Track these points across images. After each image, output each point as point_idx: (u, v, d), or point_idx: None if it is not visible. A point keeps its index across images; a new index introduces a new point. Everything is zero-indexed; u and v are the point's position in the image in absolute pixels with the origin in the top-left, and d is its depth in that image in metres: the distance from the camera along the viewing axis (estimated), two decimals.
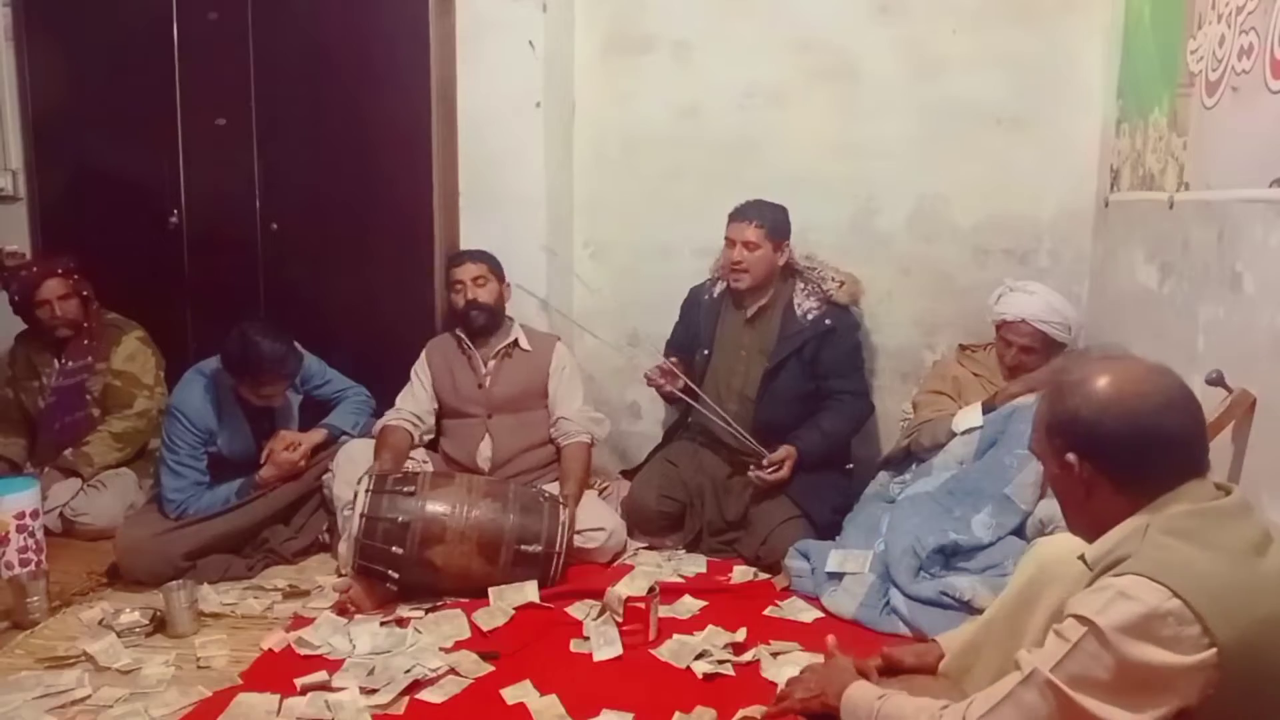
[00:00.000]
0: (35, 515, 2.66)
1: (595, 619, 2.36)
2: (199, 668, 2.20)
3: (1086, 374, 1.36)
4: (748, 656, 2.22)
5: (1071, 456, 1.34)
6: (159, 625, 2.38)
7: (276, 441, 2.86)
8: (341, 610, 2.45)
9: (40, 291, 3.14)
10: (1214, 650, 1.17)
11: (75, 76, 3.54)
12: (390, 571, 2.47)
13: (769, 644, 2.27)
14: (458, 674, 2.14)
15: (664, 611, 2.38)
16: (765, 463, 2.83)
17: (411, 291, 3.38)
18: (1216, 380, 1.86)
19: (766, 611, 2.50)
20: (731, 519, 2.93)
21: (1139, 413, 1.30)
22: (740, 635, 2.29)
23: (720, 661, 2.19)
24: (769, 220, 2.94)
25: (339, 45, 3.35)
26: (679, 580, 2.69)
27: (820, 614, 2.48)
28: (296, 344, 2.85)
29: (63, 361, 3.23)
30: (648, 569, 2.72)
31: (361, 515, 2.48)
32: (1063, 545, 1.62)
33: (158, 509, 2.79)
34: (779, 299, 3.02)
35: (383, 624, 2.37)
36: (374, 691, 2.05)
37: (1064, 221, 3.23)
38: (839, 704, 1.64)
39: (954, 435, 2.73)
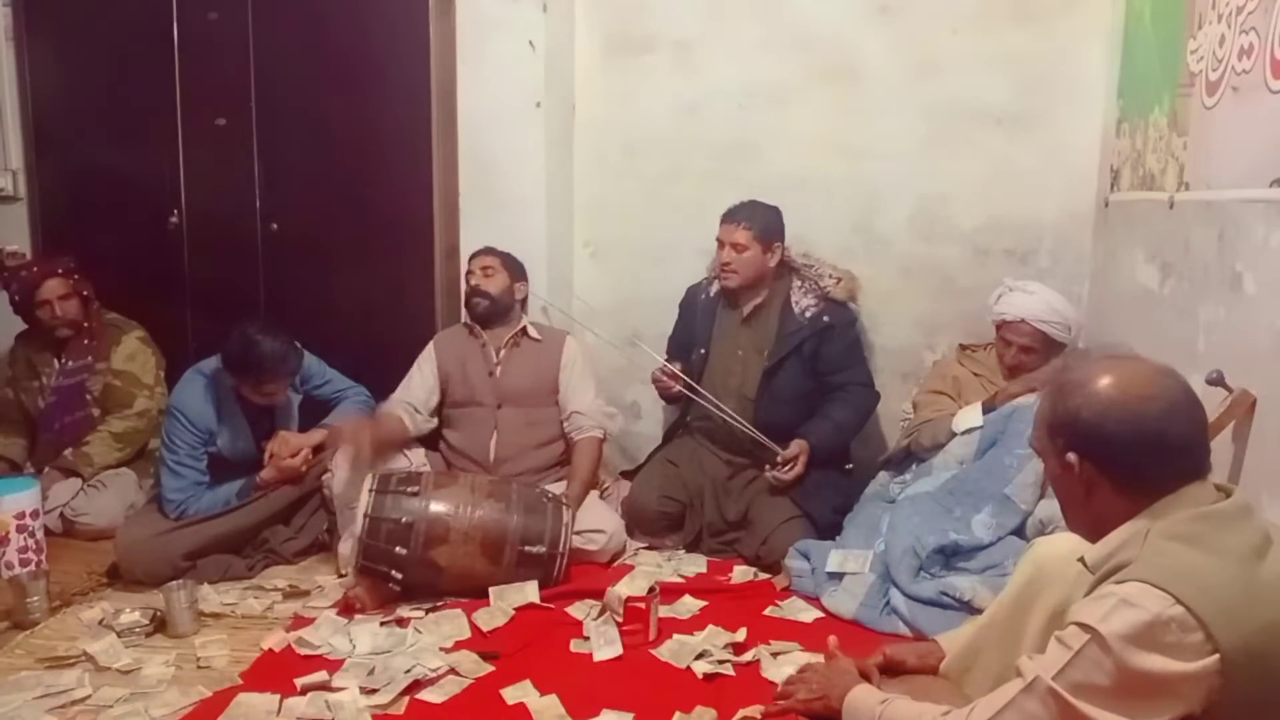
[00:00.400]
0: (35, 515, 2.67)
1: (595, 619, 2.36)
2: (199, 668, 2.20)
3: (1090, 373, 1.35)
4: (748, 656, 2.21)
5: (1072, 456, 1.34)
6: (159, 625, 2.38)
7: (279, 445, 2.85)
8: (347, 607, 2.45)
9: (40, 291, 3.14)
10: (1217, 657, 1.16)
11: (75, 76, 3.54)
12: (394, 572, 2.47)
13: (769, 644, 2.27)
14: (458, 674, 2.14)
15: (664, 611, 2.38)
16: (780, 460, 2.82)
17: (412, 291, 3.39)
18: (1216, 380, 1.85)
19: (766, 611, 2.50)
20: (732, 519, 2.92)
21: (1142, 415, 1.29)
22: (740, 635, 2.29)
23: (720, 661, 2.18)
24: (759, 222, 2.95)
25: (339, 45, 3.36)
26: (679, 580, 2.69)
27: (820, 614, 2.48)
28: (296, 343, 2.85)
29: (63, 361, 3.23)
30: (648, 569, 2.72)
31: (365, 515, 2.48)
32: (1060, 546, 1.62)
33: (158, 509, 2.79)
34: (775, 297, 3.02)
35: (383, 624, 2.37)
36: (374, 691, 2.04)
37: (1064, 222, 3.22)
38: (841, 707, 1.64)
39: (954, 435, 2.73)
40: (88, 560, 2.83)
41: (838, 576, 2.52)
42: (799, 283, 3.03)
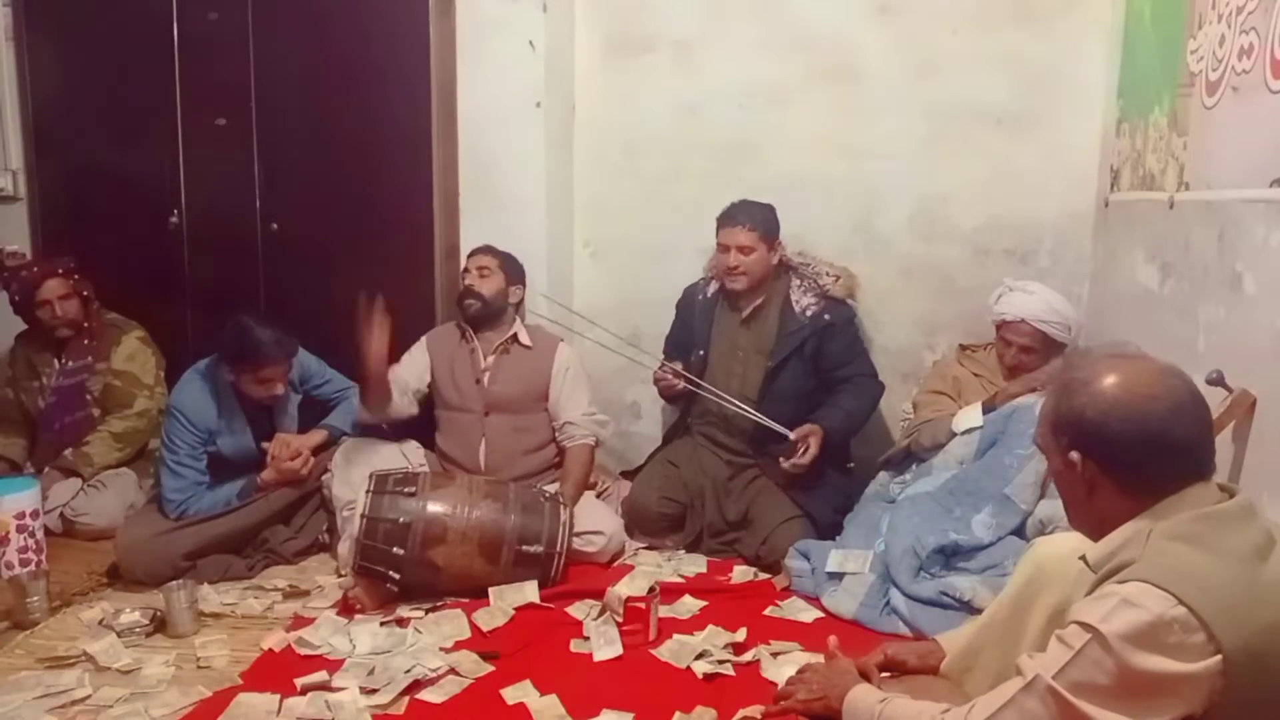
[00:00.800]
0: (35, 515, 2.67)
1: (595, 619, 2.36)
2: (199, 668, 2.20)
3: (1095, 372, 1.34)
4: (748, 656, 2.22)
5: (1075, 455, 1.33)
6: (159, 625, 2.38)
7: (279, 447, 2.85)
8: (347, 608, 2.45)
9: (40, 291, 3.14)
10: (1219, 657, 1.16)
11: (75, 76, 3.54)
12: (391, 572, 2.47)
13: (769, 644, 2.27)
14: (458, 674, 2.14)
15: (664, 611, 2.38)
16: (793, 439, 2.78)
17: (411, 292, 3.38)
18: (1217, 380, 1.86)
19: (766, 611, 2.50)
20: (732, 520, 2.92)
21: (1146, 415, 1.28)
22: (740, 635, 2.29)
23: (720, 661, 2.18)
24: (760, 221, 2.93)
25: (339, 45, 3.36)
26: (679, 580, 2.69)
27: (820, 614, 2.48)
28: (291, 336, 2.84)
29: (63, 361, 3.23)
30: (648, 569, 2.72)
31: (362, 516, 2.48)
32: (1060, 545, 1.62)
33: (158, 509, 2.79)
34: (774, 297, 3.02)
35: (383, 624, 2.37)
36: (374, 691, 2.04)
37: (1064, 222, 3.23)
38: (841, 707, 1.64)
39: (954, 435, 2.72)
40: (88, 560, 2.83)
41: (838, 576, 2.52)
42: (798, 281, 3.02)
